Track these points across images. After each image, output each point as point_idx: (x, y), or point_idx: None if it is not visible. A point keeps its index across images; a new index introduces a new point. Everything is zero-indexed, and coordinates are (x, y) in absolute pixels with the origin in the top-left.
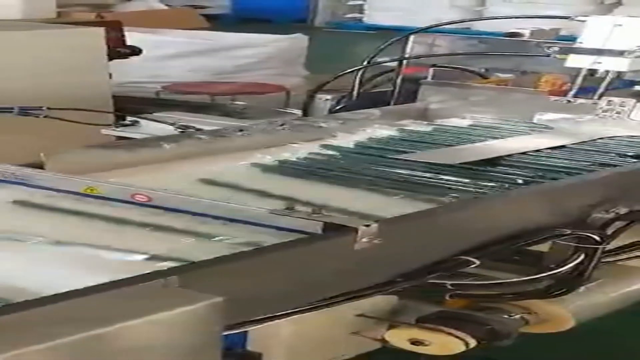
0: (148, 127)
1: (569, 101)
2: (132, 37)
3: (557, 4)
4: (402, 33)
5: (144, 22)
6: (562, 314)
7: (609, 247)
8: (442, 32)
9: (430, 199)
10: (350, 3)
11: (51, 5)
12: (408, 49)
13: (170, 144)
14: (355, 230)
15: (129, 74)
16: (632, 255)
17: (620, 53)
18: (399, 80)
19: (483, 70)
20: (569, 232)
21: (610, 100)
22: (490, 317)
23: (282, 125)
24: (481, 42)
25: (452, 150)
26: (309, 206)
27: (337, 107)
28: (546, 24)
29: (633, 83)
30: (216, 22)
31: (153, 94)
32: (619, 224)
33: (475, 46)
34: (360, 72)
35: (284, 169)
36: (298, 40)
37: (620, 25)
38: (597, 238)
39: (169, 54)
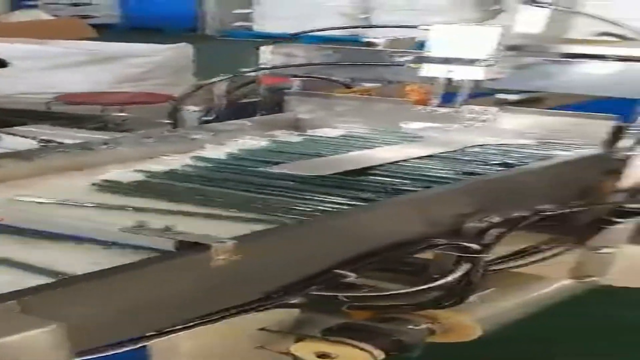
0: (8, 142)
1: (433, 110)
2: (17, 48)
3: (442, 12)
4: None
5: (30, 32)
6: (468, 323)
7: (503, 254)
8: (316, 39)
9: (301, 211)
10: (238, 11)
11: None
12: (268, 59)
13: (30, 159)
14: (209, 247)
15: (17, 85)
16: (527, 261)
17: (472, 62)
18: (262, 91)
19: (348, 80)
20: (444, 242)
21: (472, 109)
22: (396, 328)
23: (149, 137)
24: (337, 52)
25: (323, 161)
26: (164, 222)
27: (205, 118)
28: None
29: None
30: (105, 31)
31: (44, 105)
32: (495, 231)
33: (331, 56)
34: (225, 83)
35: (146, 183)
36: (183, 49)
37: (465, 33)
38: (475, 247)
39: (58, 65)
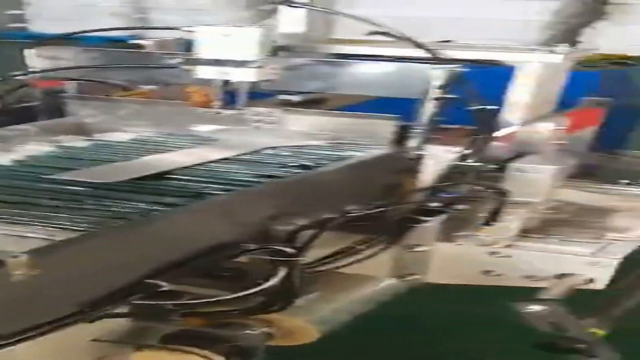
0: None
1: (218, 112)
2: None
3: (218, 11)
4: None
5: None
6: (305, 325)
7: (323, 255)
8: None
9: (95, 220)
10: (10, 12)
11: None
12: (34, 62)
13: None
14: (3, 262)
15: None
16: (349, 261)
17: (242, 63)
18: (39, 94)
19: (125, 82)
20: (258, 246)
21: (257, 111)
22: (234, 334)
23: None
24: (106, 54)
25: (120, 166)
26: None
27: None
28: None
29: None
30: None
31: None
32: (307, 234)
33: (102, 58)
34: None
35: None
36: None
37: (229, 35)
38: (289, 250)
39: None
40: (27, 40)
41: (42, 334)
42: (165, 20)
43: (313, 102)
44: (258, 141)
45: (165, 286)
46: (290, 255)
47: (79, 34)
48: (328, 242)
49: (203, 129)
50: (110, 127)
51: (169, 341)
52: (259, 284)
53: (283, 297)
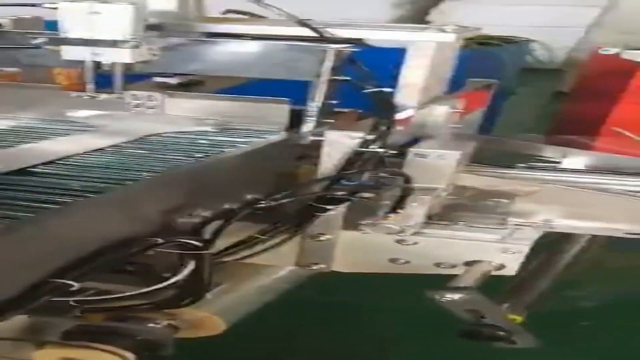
0: None
1: (92, 97)
2: None
3: None
4: None
5: None
6: (208, 317)
7: (227, 246)
8: None
9: None
10: None
11: None
12: None
13: None
14: None
15: None
16: (253, 251)
17: (114, 43)
18: None
19: None
20: (164, 240)
21: (135, 94)
22: (137, 327)
23: None
24: None
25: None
26: None
27: None
28: None
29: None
30: None
31: None
32: (212, 226)
33: None
34: None
35: None
36: None
37: (97, 12)
38: (196, 243)
39: None
40: None
41: None
42: None
43: (192, 85)
44: (141, 128)
45: (75, 286)
46: (198, 247)
47: None
48: (230, 233)
49: (78, 114)
50: None
51: (70, 337)
52: (166, 279)
53: (193, 291)
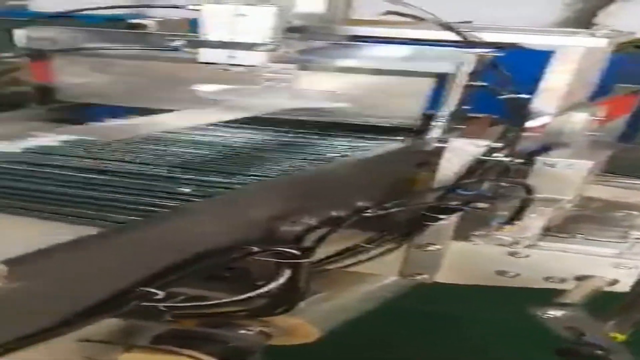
0: None
1: (225, 69)
2: None
3: None
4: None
5: None
6: (304, 325)
7: (330, 254)
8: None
9: None
10: None
11: None
12: (23, 43)
13: None
14: None
15: None
16: (355, 260)
17: (251, 46)
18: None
19: None
20: (263, 249)
21: (269, 67)
22: (230, 334)
23: None
24: (102, 34)
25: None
26: None
27: None
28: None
29: None
30: None
31: None
32: (315, 235)
33: (97, 39)
34: None
35: None
36: None
37: (239, 14)
38: (294, 252)
39: None
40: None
41: (20, 348)
42: None
43: None
44: (265, 103)
45: (160, 295)
46: (297, 257)
47: (76, 13)
48: (335, 240)
49: (207, 88)
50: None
51: (160, 342)
52: (261, 286)
53: (287, 300)
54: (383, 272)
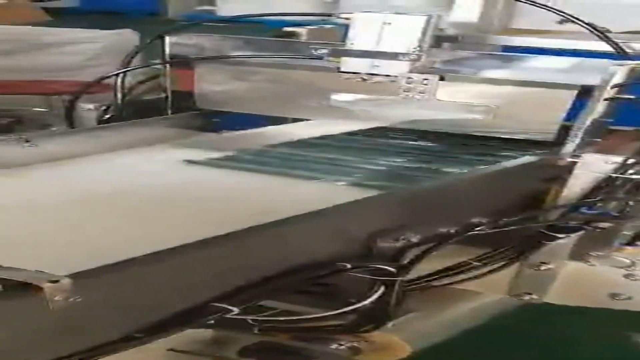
0: None
1: (364, 79)
2: None
3: None
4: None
5: None
6: (396, 341)
7: (432, 271)
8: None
9: None
10: None
11: None
12: (167, 50)
13: None
14: (40, 289)
15: None
16: (459, 278)
17: (395, 56)
18: (168, 86)
19: None
20: (357, 265)
21: (410, 78)
22: (318, 348)
23: None
24: (248, 42)
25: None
26: None
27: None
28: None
29: None
30: (62, 15)
31: None
32: (415, 251)
33: (243, 47)
34: (121, 77)
35: None
36: (128, 36)
37: (389, 23)
38: (390, 269)
39: None
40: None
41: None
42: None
43: None
44: (401, 113)
45: (235, 311)
46: (391, 274)
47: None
48: (444, 255)
49: (342, 97)
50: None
51: (248, 354)
52: (352, 303)
53: (377, 317)
54: (490, 290)
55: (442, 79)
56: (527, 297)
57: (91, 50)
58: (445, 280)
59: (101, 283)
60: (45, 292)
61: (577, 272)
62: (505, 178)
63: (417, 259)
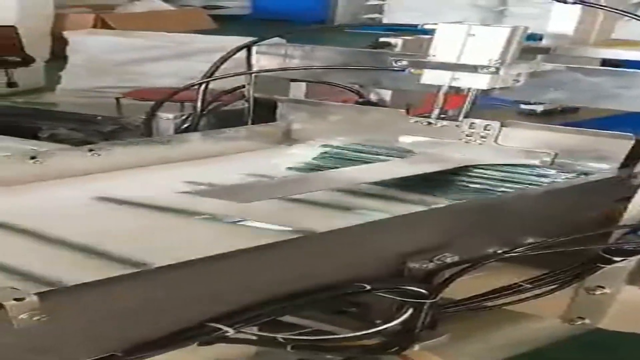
0: None
1: (429, 123)
2: (102, 40)
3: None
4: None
5: (148, 23)
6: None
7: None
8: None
9: None
10: (370, 3)
11: (49, 7)
12: (254, 61)
13: None
14: (2, 306)
15: (101, 79)
16: (507, 300)
17: (475, 68)
18: (251, 96)
19: (356, 86)
20: (382, 286)
21: (472, 123)
22: None
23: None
24: (339, 53)
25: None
26: None
27: (184, 127)
28: None
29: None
30: (233, 22)
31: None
32: (450, 272)
33: (331, 58)
34: (203, 87)
35: None
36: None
37: (473, 35)
38: (421, 291)
39: (145, 58)
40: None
41: None
42: (521, 13)
43: (556, 113)
44: (457, 157)
45: (230, 332)
46: (422, 296)
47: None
48: (493, 275)
49: (405, 139)
50: (312, 134)
51: None
52: (379, 324)
53: (404, 339)
54: (540, 313)
55: (503, 125)
56: (579, 322)
57: (238, 57)
58: (493, 302)
59: (71, 302)
60: (7, 310)
61: (635, 298)
62: (562, 197)
63: (450, 279)
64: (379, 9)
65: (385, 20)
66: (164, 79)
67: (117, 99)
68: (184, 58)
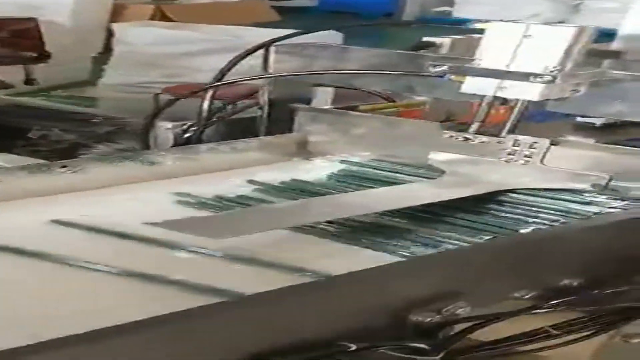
0: None
1: (466, 138)
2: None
3: None
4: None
5: (209, 15)
6: None
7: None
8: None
9: None
10: None
11: None
12: (271, 63)
13: None
14: None
15: (146, 73)
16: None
17: (526, 76)
18: (265, 104)
19: (388, 91)
20: (360, 347)
21: (517, 140)
22: None
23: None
24: (373, 55)
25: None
26: None
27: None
28: None
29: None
30: (298, 14)
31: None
32: (459, 327)
33: (366, 60)
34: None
35: None
36: (330, 38)
37: (529, 35)
38: (423, 347)
39: (192, 51)
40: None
41: None
42: (600, 7)
43: (617, 127)
44: (496, 180)
45: None
46: (424, 352)
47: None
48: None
49: (438, 157)
50: (332, 148)
51: None
52: None
53: None
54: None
55: (553, 143)
56: None
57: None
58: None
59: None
60: None
61: None
62: (594, 234)
63: (456, 337)
64: (450, 1)
65: (456, 14)
66: (214, 73)
67: (156, 94)
68: (237, 52)
